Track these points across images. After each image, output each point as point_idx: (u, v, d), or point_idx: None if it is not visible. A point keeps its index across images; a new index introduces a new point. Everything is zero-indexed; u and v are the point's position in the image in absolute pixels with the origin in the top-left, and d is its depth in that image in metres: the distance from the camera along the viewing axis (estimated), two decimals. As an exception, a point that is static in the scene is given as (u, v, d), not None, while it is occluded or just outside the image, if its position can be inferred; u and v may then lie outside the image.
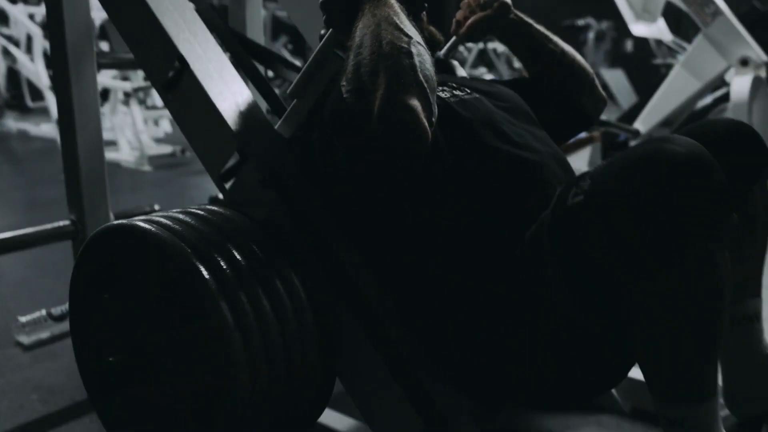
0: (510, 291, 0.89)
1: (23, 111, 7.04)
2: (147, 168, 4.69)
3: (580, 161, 3.20)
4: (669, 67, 4.64)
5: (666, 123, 3.11)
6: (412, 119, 0.82)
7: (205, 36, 1.18)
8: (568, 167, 1.07)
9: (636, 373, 0.94)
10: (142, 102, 5.64)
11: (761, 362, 1.05)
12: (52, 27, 1.42)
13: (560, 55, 1.23)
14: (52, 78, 1.47)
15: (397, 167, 0.93)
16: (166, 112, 5.49)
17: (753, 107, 2.69)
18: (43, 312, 1.78)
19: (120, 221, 0.95)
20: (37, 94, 6.22)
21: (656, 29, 3.24)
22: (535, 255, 0.85)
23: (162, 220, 0.92)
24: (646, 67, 6.00)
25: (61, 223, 1.50)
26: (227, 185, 1.09)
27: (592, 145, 3.21)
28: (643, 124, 3.02)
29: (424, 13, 1.14)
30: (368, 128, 0.84)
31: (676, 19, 3.46)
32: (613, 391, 1.42)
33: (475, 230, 0.93)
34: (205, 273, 0.84)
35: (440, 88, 1.02)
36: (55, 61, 1.43)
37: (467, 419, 0.97)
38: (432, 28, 1.18)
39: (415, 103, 0.83)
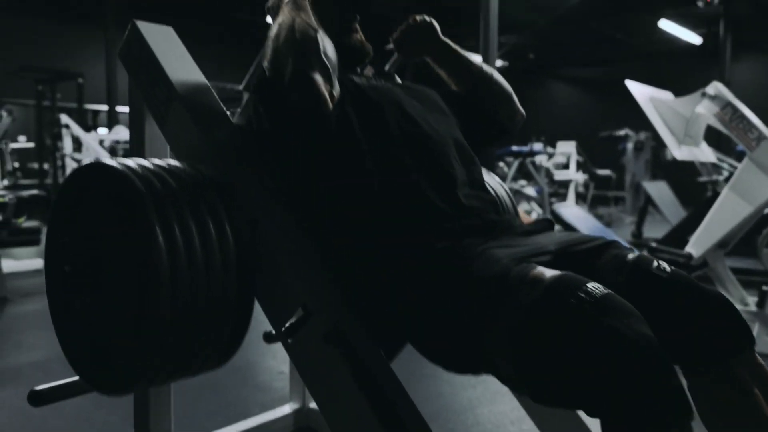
0: (423, 276, 1.03)
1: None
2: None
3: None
4: (715, 183, 4.63)
5: (720, 245, 3.06)
6: (313, 86, 1.07)
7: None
8: (463, 146, 1.27)
9: None
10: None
11: None
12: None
13: (479, 72, 1.46)
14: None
15: (307, 123, 1.15)
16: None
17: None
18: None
19: (92, 161, 1.16)
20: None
21: (699, 152, 3.27)
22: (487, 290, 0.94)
23: (121, 160, 1.13)
24: (689, 175, 6.01)
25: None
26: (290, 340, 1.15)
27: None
28: (695, 247, 2.98)
29: (357, 25, 1.37)
30: (282, 93, 1.10)
31: (717, 134, 3.49)
32: None
33: (382, 195, 1.13)
34: (141, 187, 1.04)
35: (359, 77, 1.28)
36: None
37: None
38: (362, 38, 1.37)
39: (317, 76, 1.08)
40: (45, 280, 1.25)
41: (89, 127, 8.75)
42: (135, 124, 1.52)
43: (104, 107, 10.04)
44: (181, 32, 1.51)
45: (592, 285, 0.87)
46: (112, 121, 9.42)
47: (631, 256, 1.07)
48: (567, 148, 8.44)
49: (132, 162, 1.13)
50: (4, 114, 6.27)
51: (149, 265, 1.01)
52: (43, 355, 2.86)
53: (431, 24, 1.44)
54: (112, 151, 6.91)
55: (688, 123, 3.06)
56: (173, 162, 1.21)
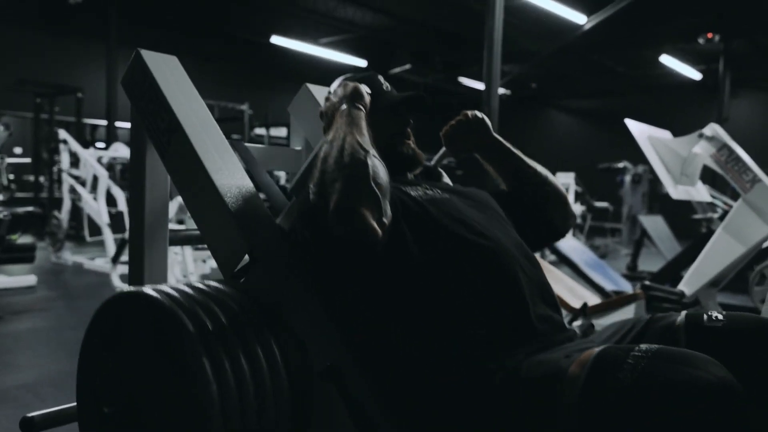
0: (482, 404, 0.96)
1: (80, 243, 7.36)
2: (192, 307, 4.76)
3: (625, 317, 3.15)
4: (709, 221, 4.66)
5: (713, 284, 3.08)
6: (359, 221, 0.99)
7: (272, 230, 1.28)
8: (531, 256, 1.18)
9: None
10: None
11: None
12: (133, 206, 1.55)
13: (534, 174, 1.40)
14: (129, 250, 1.57)
15: (353, 255, 1.08)
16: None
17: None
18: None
19: (128, 289, 1.10)
20: (95, 229, 6.54)
21: (695, 192, 3.30)
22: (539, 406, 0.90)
23: (163, 288, 1.08)
24: (684, 210, 6.05)
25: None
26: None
27: (636, 302, 3.18)
28: (688, 285, 2.99)
29: (410, 130, 1.33)
30: (326, 224, 1.01)
31: (712, 171, 3.52)
32: None
33: (441, 310, 1.04)
34: (190, 326, 0.97)
35: (414, 188, 1.21)
36: (132, 235, 1.54)
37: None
38: (414, 145, 1.33)
39: (364, 208, 1.00)
40: (77, 415, 1.18)
41: (87, 142, 8.74)
42: (136, 152, 1.53)
43: (103, 122, 10.03)
44: (184, 50, 1.51)
45: (642, 345, 0.86)
46: (110, 136, 9.39)
47: (678, 319, 1.05)
48: (565, 179, 8.49)
49: (173, 290, 1.07)
50: (1, 128, 6.28)
51: (200, 409, 0.95)
52: (33, 377, 2.83)
53: (482, 120, 1.40)
54: (110, 168, 6.90)
55: (684, 162, 3.09)
56: (213, 284, 1.16)
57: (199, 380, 0.95)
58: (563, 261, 4.75)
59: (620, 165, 10.07)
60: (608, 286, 3.92)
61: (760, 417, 0.90)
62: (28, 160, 9.34)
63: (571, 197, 8.49)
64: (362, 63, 11.69)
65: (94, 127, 10.72)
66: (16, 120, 9.94)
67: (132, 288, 1.09)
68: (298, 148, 1.79)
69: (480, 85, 6.97)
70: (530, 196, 1.39)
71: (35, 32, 10.33)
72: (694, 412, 0.76)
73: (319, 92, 1.75)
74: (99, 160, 6.54)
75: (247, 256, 1.21)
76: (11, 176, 7.14)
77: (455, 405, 1.00)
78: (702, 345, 0.96)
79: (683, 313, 1.07)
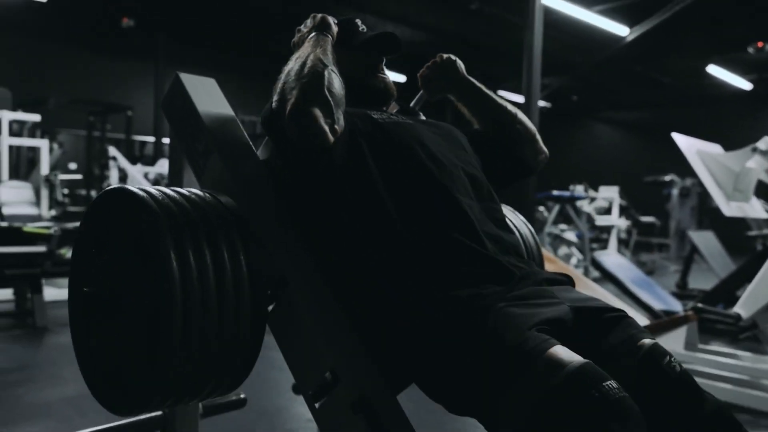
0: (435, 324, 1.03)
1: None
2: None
3: (675, 341, 3.03)
4: (765, 238, 4.46)
5: (769, 306, 2.92)
6: (310, 120, 1.10)
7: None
8: (483, 185, 1.27)
9: None
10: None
11: None
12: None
13: (504, 112, 1.47)
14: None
15: (309, 157, 1.18)
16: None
17: None
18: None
19: (114, 185, 1.19)
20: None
21: (749, 208, 3.15)
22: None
23: (147, 188, 1.15)
24: (738, 225, 5.81)
25: (153, 415, 1.52)
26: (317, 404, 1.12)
27: (688, 324, 3.05)
28: (744, 308, 2.84)
29: (383, 66, 1.39)
30: (285, 127, 1.12)
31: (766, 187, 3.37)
32: None
33: (394, 223, 1.13)
34: (156, 209, 1.06)
35: (380, 113, 1.28)
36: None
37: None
38: (386, 79, 1.39)
39: (317, 111, 1.10)
40: (68, 302, 1.26)
41: (136, 158, 9.03)
42: (174, 172, 1.54)
43: (151, 138, 10.40)
44: (228, 68, 1.53)
45: (611, 384, 0.88)
46: (157, 152, 9.68)
47: (645, 341, 1.06)
48: (609, 193, 8.30)
49: (156, 190, 1.15)
50: (56, 146, 6.53)
51: (163, 293, 1.02)
52: (76, 390, 2.87)
53: (455, 62, 1.48)
54: (156, 183, 7.09)
55: (737, 178, 2.96)
56: (197, 191, 1.22)
57: (164, 270, 1.01)
58: (608, 278, 4.62)
59: (667, 178, 9.80)
60: (657, 305, 3.78)
61: None
62: (79, 176, 9.68)
63: (615, 211, 8.29)
64: (401, 78, 11.71)
65: (143, 143, 11.09)
66: (70, 137, 10.33)
67: (117, 184, 1.18)
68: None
69: (520, 98, 6.89)
70: (501, 134, 1.46)
71: (89, 53, 10.78)
72: None
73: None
74: (146, 175, 6.74)
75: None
76: (65, 191, 7.39)
77: (419, 330, 1.05)
78: (647, 376, 1.01)
79: (652, 341, 1.06)
